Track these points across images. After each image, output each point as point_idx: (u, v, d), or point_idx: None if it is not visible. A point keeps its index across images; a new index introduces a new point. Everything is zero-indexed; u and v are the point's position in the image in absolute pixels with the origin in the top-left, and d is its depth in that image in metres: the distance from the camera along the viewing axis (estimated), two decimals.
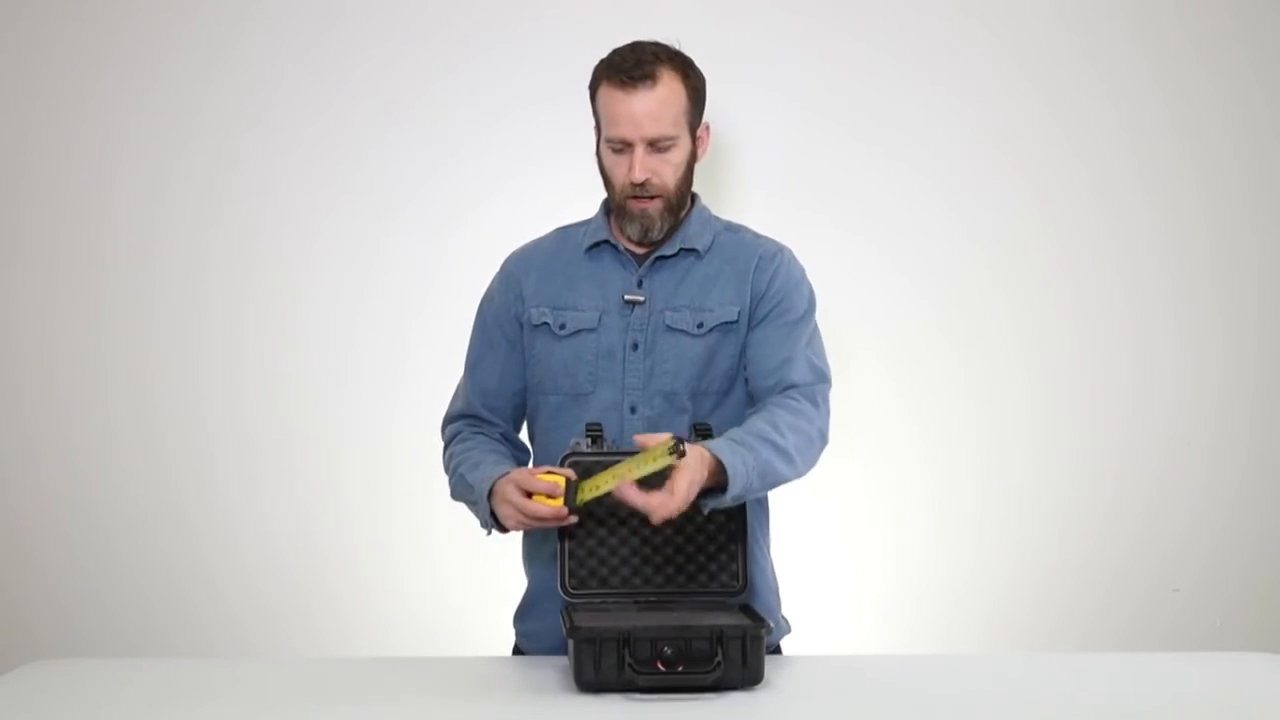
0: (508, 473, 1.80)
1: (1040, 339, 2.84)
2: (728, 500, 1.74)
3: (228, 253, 2.80)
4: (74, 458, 2.82)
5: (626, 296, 1.91)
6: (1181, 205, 2.84)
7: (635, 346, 1.90)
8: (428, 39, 2.77)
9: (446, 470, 1.97)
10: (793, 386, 1.87)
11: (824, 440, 1.88)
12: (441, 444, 2.02)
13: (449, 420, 2.02)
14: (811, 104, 2.78)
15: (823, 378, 1.91)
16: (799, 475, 1.84)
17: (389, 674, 1.77)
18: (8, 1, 2.77)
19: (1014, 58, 2.81)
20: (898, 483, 2.80)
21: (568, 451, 1.80)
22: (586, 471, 1.74)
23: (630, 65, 1.83)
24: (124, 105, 2.78)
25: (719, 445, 1.73)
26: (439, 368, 2.75)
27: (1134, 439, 2.85)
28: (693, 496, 1.68)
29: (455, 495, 1.94)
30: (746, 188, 2.69)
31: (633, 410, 1.89)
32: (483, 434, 1.97)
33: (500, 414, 1.98)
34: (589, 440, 1.81)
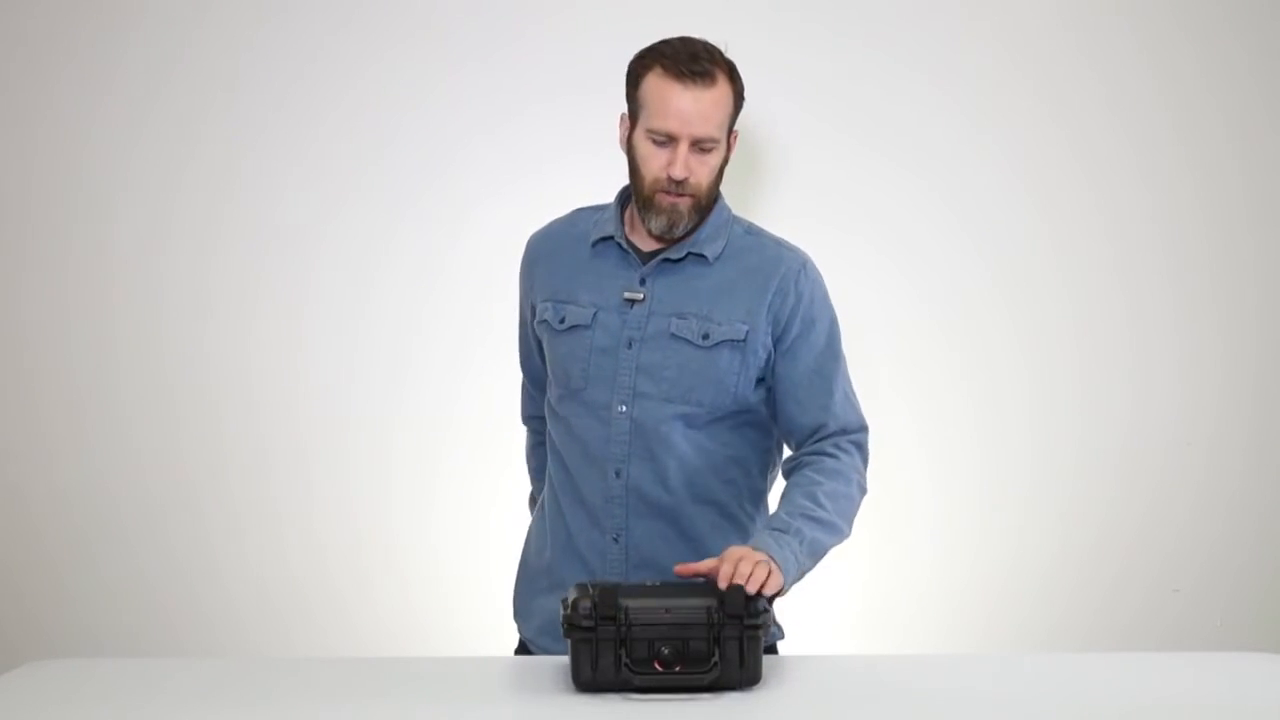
0: None
1: (1040, 339, 2.84)
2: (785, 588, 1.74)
3: (236, 257, 2.80)
4: (84, 458, 2.83)
5: (626, 294, 1.89)
6: (1182, 206, 2.84)
7: (630, 345, 1.88)
8: (433, 41, 2.77)
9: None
10: (829, 437, 1.88)
11: (862, 489, 1.89)
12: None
13: (523, 417, 2.16)
14: (809, 104, 2.77)
15: (861, 424, 1.92)
16: (845, 539, 1.85)
17: (389, 674, 1.77)
18: (15, 6, 2.77)
19: (1014, 61, 2.80)
20: (897, 483, 2.80)
21: (576, 595, 1.68)
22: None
23: (688, 59, 1.81)
24: (132, 107, 2.78)
25: (766, 543, 1.72)
26: (444, 369, 2.78)
27: (1134, 439, 2.85)
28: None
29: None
30: (744, 187, 2.69)
31: (623, 409, 1.89)
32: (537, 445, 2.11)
33: (540, 386, 2.04)
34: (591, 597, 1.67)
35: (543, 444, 2.06)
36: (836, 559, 2.76)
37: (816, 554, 1.78)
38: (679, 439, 1.88)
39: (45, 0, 2.77)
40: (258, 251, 2.80)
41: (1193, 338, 2.85)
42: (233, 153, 2.79)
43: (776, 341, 1.89)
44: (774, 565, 1.67)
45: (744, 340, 1.87)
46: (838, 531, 1.82)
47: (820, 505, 1.79)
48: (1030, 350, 2.84)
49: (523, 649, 2.02)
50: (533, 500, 2.15)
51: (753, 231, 1.96)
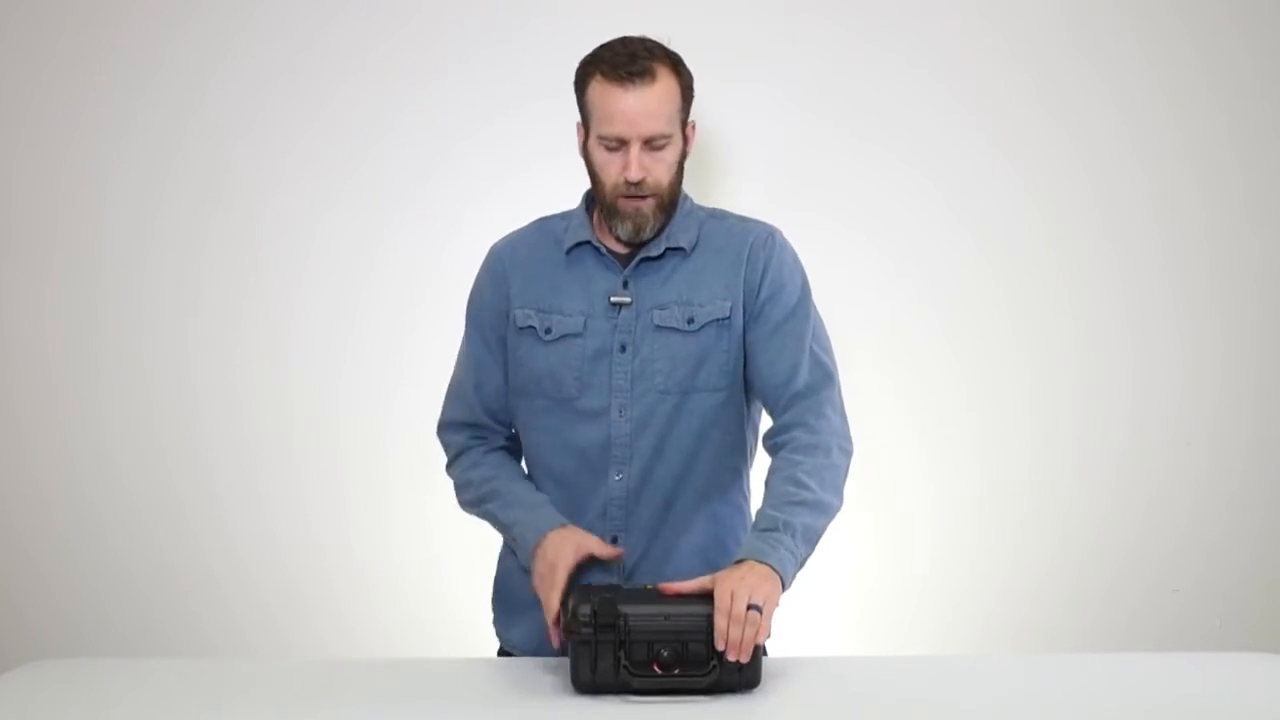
0: (562, 527, 1.83)
1: (1040, 339, 2.83)
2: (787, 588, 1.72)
3: (224, 252, 2.79)
4: (71, 458, 2.83)
5: (613, 299, 1.89)
6: (1182, 205, 2.84)
7: (623, 349, 1.88)
8: (426, 37, 2.77)
9: (459, 484, 1.98)
10: (800, 397, 1.86)
11: (845, 452, 1.87)
12: (444, 454, 2.01)
13: (450, 426, 2.00)
14: (810, 102, 2.77)
15: (829, 377, 1.89)
16: (838, 511, 1.83)
17: (387, 675, 1.77)
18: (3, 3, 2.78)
19: (1015, 56, 2.80)
20: (896, 483, 2.80)
21: (576, 600, 1.68)
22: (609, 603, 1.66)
23: (625, 61, 1.80)
24: (119, 103, 2.78)
25: (759, 549, 1.70)
26: (438, 367, 2.76)
27: (1134, 439, 2.84)
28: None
29: (471, 512, 1.97)
30: (744, 186, 2.69)
31: (621, 412, 1.88)
32: (495, 450, 1.97)
33: (505, 417, 1.97)
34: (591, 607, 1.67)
35: (498, 449, 1.98)
36: (836, 560, 2.78)
37: (812, 539, 1.77)
38: (681, 429, 1.88)
39: None
40: (245, 250, 2.79)
41: (1193, 337, 2.85)
42: (220, 151, 2.78)
43: (748, 308, 1.89)
44: (760, 605, 1.63)
45: (729, 317, 1.88)
46: (827, 508, 1.80)
47: (805, 486, 1.77)
48: (1030, 350, 2.83)
49: (502, 651, 2.02)
50: (471, 504, 1.99)
51: (716, 215, 1.96)
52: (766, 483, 1.83)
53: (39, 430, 2.83)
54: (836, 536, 2.61)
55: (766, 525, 1.74)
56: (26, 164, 2.80)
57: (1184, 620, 2.85)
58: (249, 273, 2.80)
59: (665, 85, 1.81)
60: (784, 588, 1.70)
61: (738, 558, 1.71)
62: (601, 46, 1.85)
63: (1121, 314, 2.84)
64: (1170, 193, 2.83)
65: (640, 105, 1.79)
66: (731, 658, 1.62)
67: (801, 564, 1.75)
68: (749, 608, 1.62)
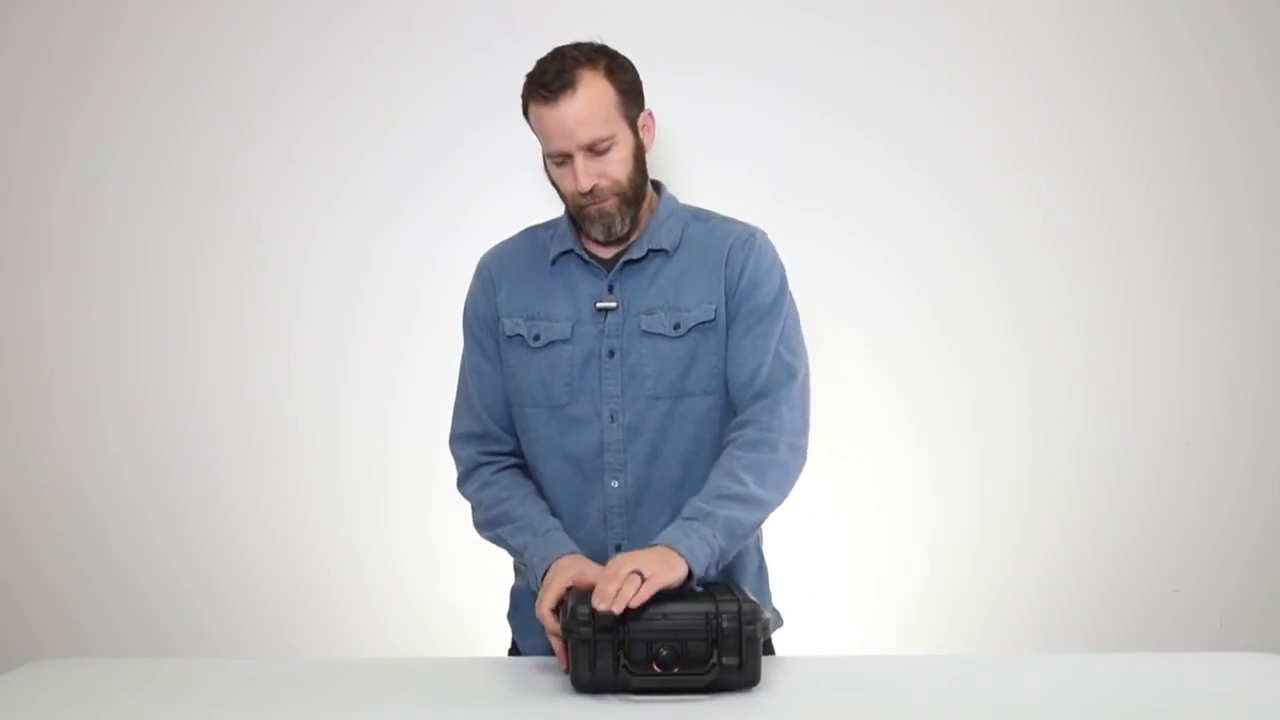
0: (570, 554, 1.80)
1: (1040, 338, 2.83)
2: (700, 576, 1.72)
3: (223, 252, 2.80)
4: (70, 457, 2.83)
5: (599, 304, 1.89)
6: (1183, 204, 2.84)
7: (611, 354, 1.89)
8: (426, 37, 2.77)
9: (471, 505, 1.97)
10: (759, 395, 1.86)
11: (795, 449, 1.85)
12: (455, 468, 1.99)
13: (459, 439, 1.99)
14: (810, 102, 2.77)
15: (791, 376, 1.88)
16: (776, 506, 1.83)
17: (387, 675, 1.77)
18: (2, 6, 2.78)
19: (1014, 51, 2.80)
20: (896, 482, 2.80)
21: (574, 601, 1.69)
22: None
23: (553, 76, 1.82)
24: (119, 103, 2.78)
25: (672, 535, 1.73)
26: (438, 367, 2.76)
27: (1134, 439, 2.84)
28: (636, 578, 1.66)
29: (484, 535, 1.96)
30: (745, 185, 2.69)
31: (612, 418, 1.89)
32: (505, 470, 1.96)
33: (511, 426, 1.97)
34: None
35: (508, 468, 1.97)
36: (837, 560, 2.77)
37: (736, 533, 1.77)
38: (675, 435, 1.89)
39: None
40: (245, 250, 2.80)
41: (1194, 337, 2.84)
42: (219, 152, 2.78)
43: (728, 309, 1.89)
44: (644, 574, 1.65)
45: (713, 320, 1.88)
46: (760, 504, 1.80)
47: (738, 481, 1.78)
48: (1031, 350, 2.83)
49: (515, 650, 2.02)
50: (482, 526, 1.96)
51: (700, 216, 1.96)
52: (710, 475, 1.84)
53: (39, 430, 2.84)
54: (836, 536, 2.62)
55: (689, 514, 1.77)
56: (26, 164, 2.81)
57: (1184, 620, 2.85)
58: (249, 273, 2.80)
59: (591, 89, 1.82)
60: (692, 574, 1.70)
61: (654, 543, 1.73)
62: (536, 63, 1.87)
63: (1122, 314, 2.84)
64: (1172, 192, 2.83)
65: (572, 114, 1.81)
66: (601, 607, 1.63)
67: (722, 555, 1.75)
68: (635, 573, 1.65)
